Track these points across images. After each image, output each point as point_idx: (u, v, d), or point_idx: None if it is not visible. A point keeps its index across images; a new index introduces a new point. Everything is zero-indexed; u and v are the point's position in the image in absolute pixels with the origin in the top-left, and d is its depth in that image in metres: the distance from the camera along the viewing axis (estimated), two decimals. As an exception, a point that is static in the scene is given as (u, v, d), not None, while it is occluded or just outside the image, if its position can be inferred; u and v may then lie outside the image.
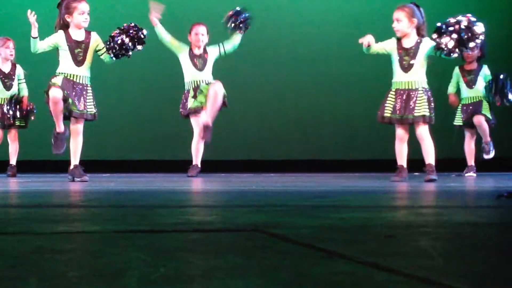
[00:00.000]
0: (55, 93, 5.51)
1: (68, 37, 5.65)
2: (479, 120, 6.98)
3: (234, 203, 3.38)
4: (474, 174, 7.06)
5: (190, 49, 6.86)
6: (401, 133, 5.70)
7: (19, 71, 7.13)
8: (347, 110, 9.02)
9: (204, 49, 6.89)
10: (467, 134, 7.18)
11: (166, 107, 8.41)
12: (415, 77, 5.58)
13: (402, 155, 5.69)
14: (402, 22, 5.62)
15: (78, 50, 5.66)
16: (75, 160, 5.68)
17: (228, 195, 4.08)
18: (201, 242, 1.84)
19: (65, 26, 5.69)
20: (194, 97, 6.69)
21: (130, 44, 5.62)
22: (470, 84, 7.14)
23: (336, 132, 9.00)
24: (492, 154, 7.10)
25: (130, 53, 5.67)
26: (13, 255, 1.57)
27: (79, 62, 5.65)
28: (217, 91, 6.55)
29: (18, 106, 6.96)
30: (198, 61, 6.85)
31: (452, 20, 5.29)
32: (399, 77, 5.65)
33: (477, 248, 1.74)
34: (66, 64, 5.64)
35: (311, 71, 8.99)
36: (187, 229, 2.09)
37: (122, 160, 8.57)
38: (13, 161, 7.06)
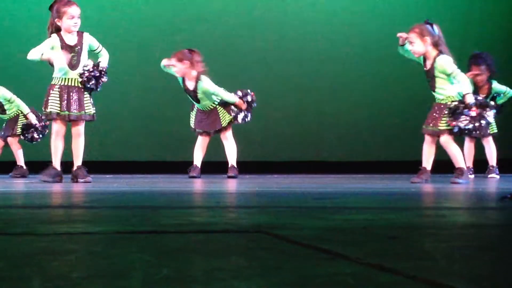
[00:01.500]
0: (58, 128, 5.57)
1: (62, 41, 5.65)
2: (488, 143, 7.09)
3: (237, 204, 3.38)
4: (472, 176, 7.07)
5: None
6: (429, 138, 5.67)
7: (2, 92, 7.11)
8: (350, 111, 9.01)
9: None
10: (467, 139, 7.18)
11: (169, 108, 8.42)
12: (439, 95, 5.59)
13: (427, 157, 5.67)
14: (415, 44, 5.64)
15: (72, 55, 5.66)
16: (77, 161, 5.68)
17: (231, 196, 4.08)
18: (204, 243, 1.84)
19: (56, 29, 5.69)
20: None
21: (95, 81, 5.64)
22: None
23: (339, 134, 9.00)
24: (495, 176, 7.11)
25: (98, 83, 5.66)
26: (17, 255, 1.57)
27: (73, 66, 5.64)
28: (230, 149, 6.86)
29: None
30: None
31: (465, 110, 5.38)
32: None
33: (480, 249, 1.74)
34: (61, 68, 5.65)
35: (315, 72, 8.98)
36: (190, 230, 2.09)
37: (125, 161, 8.57)
38: (21, 162, 7.16)
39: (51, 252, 1.63)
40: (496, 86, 7.18)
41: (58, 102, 5.60)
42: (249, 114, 6.86)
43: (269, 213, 2.76)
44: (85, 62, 5.64)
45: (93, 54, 5.82)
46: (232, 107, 6.81)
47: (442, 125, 5.55)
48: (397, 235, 1.97)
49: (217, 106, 6.79)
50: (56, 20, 5.63)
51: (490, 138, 7.21)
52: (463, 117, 5.36)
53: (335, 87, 9.01)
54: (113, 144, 8.67)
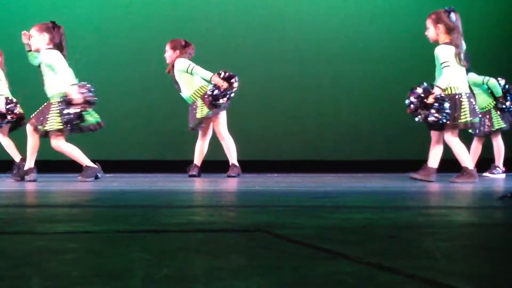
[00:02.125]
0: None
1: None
2: (496, 140, 7.09)
3: (237, 204, 3.38)
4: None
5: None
6: (435, 137, 5.64)
7: None
8: (350, 111, 9.02)
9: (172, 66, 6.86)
10: (475, 138, 7.17)
11: (169, 107, 8.41)
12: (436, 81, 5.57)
13: (432, 155, 5.63)
14: (429, 30, 5.64)
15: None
16: (82, 162, 5.73)
17: (231, 196, 4.08)
18: (205, 242, 1.84)
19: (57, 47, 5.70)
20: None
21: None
22: None
23: (339, 133, 9.00)
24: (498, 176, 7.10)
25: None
26: (16, 254, 1.57)
27: (43, 83, 5.70)
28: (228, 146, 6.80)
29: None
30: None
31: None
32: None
33: (481, 249, 1.74)
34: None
35: (314, 72, 8.98)
36: (190, 229, 2.09)
37: (125, 160, 8.57)
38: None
39: (51, 251, 1.63)
40: (472, 77, 7.04)
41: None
42: (227, 96, 6.55)
43: (269, 212, 2.76)
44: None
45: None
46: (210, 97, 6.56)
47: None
48: (397, 234, 1.97)
49: (198, 99, 6.69)
50: None
51: (499, 136, 7.15)
52: (414, 97, 5.37)
53: (334, 86, 9.02)
54: (113, 143, 8.67)
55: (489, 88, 7.19)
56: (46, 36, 5.63)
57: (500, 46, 8.93)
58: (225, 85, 6.55)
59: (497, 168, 7.14)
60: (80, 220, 2.46)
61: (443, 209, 3.13)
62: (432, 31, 5.63)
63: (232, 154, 6.83)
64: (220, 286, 1.20)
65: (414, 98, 5.41)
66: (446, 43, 5.54)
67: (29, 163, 5.72)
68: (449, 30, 5.56)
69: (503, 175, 7.03)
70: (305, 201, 3.50)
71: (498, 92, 7.14)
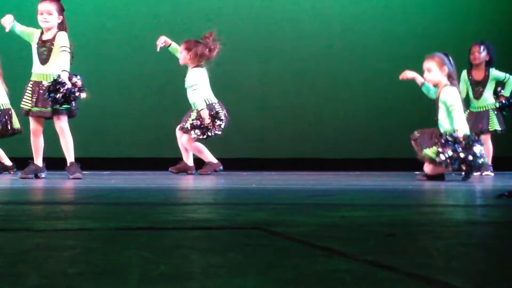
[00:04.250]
0: (35, 127, 5.59)
1: (40, 37, 5.67)
2: (486, 140, 7.09)
3: (235, 201, 3.38)
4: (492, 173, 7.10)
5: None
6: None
7: None
8: (348, 109, 9.02)
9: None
10: (482, 136, 7.20)
11: (167, 104, 8.41)
12: (440, 126, 5.58)
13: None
14: (433, 72, 5.65)
15: (42, 49, 5.67)
16: (69, 158, 5.70)
17: (229, 193, 4.08)
18: (202, 239, 1.84)
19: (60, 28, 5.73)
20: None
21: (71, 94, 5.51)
22: (477, 95, 7.23)
23: (337, 131, 9.00)
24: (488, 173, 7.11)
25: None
26: (13, 252, 1.57)
27: (43, 61, 5.65)
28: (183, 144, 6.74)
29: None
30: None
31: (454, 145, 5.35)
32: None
33: (477, 247, 1.74)
34: (34, 64, 5.67)
35: (313, 70, 8.98)
36: (187, 227, 2.09)
37: (123, 158, 8.57)
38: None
39: (48, 248, 1.63)
40: (495, 72, 7.21)
41: (30, 97, 5.61)
42: (205, 134, 6.57)
43: (266, 210, 2.76)
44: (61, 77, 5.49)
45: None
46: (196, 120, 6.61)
47: (428, 152, 5.53)
48: (394, 232, 1.97)
49: (194, 111, 6.73)
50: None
51: (488, 137, 7.22)
52: (450, 149, 5.33)
53: (333, 84, 9.02)
54: (110, 140, 8.66)
55: (504, 85, 7.28)
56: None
57: (499, 44, 8.94)
58: (207, 121, 6.56)
59: (490, 167, 7.18)
60: (77, 217, 2.46)
61: (440, 207, 3.13)
62: (436, 74, 5.63)
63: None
64: (217, 284, 1.20)
65: (451, 151, 5.33)
66: (449, 86, 5.58)
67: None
68: (449, 74, 5.62)
69: (492, 174, 7.10)
70: (302, 199, 3.50)
71: (508, 92, 7.27)
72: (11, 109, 7.03)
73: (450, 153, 5.29)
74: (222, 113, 6.67)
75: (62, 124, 5.62)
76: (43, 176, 5.73)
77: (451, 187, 4.67)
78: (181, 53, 6.82)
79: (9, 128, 6.95)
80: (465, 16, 9.11)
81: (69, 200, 3.46)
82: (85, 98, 5.59)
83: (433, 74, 5.65)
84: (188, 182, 5.50)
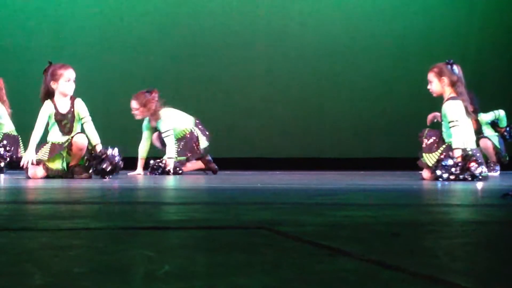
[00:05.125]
0: (39, 173, 5.61)
1: (56, 110, 5.66)
2: (485, 143, 7.09)
3: (239, 201, 3.38)
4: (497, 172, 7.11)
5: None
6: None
7: None
8: (352, 108, 9.02)
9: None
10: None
11: (168, 105, 8.41)
12: (444, 136, 5.56)
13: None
14: (433, 83, 5.61)
15: (65, 122, 5.68)
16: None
17: (233, 193, 4.08)
18: (206, 239, 1.84)
19: (49, 94, 5.68)
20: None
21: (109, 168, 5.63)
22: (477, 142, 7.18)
23: (341, 130, 9.00)
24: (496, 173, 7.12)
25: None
26: (19, 251, 1.57)
27: (67, 133, 5.68)
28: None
29: None
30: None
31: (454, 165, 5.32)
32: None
33: (482, 246, 1.74)
34: (54, 134, 5.71)
35: (316, 69, 8.98)
36: (191, 226, 2.09)
37: (126, 158, 8.58)
38: None
39: (53, 247, 1.63)
40: (484, 118, 7.21)
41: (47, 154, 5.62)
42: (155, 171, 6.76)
43: (271, 210, 2.76)
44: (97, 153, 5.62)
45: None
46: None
47: (429, 158, 5.52)
48: (399, 231, 1.97)
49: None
50: (51, 83, 5.63)
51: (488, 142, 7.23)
52: (447, 169, 5.30)
53: (336, 84, 9.02)
54: (113, 140, 8.67)
55: (497, 120, 7.30)
56: None
57: (501, 47, 8.92)
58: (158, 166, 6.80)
59: (497, 165, 7.20)
60: (82, 216, 2.47)
61: (445, 207, 3.12)
62: (436, 85, 5.59)
63: None
64: (221, 283, 1.20)
65: (449, 171, 5.32)
66: (452, 98, 5.54)
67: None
68: (453, 82, 5.56)
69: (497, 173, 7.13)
70: (306, 199, 3.50)
71: (504, 124, 7.28)
72: (18, 136, 7.08)
73: (446, 176, 5.28)
74: (203, 138, 6.84)
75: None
76: None
77: (456, 187, 4.67)
78: (135, 110, 6.87)
79: (19, 156, 6.93)
80: (468, 17, 9.10)
81: (74, 199, 3.46)
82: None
83: (434, 86, 5.62)
84: (192, 181, 5.50)
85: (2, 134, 7.01)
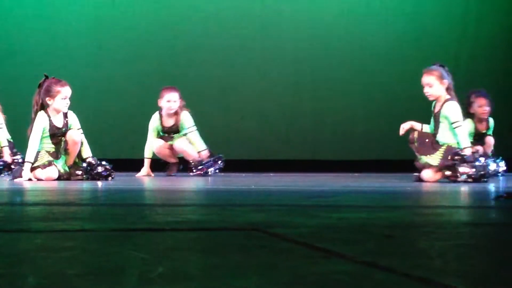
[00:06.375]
0: (52, 174, 5.58)
1: (50, 123, 5.65)
2: (489, 140, 7.11)
3: (234, 202, 3.38)
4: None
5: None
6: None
7: None
8: (347, 110, 9.02)
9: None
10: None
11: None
12: (440, 138, 5.56)
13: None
14: (434, 87, 5.58)
15: (58, 135, 5.69)
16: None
17: (228, 194, 4.08)
18: (200, 240, 1.84)
19: (43, 106, 5.66)
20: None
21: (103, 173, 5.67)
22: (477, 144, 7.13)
23: (336, 132, 9.01)
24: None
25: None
26: (13, 252, 1.57)
27: (61, 151, 5.69)
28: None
29: None
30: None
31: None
32: None
33: (476, 248, 1.74)
34: (46, 144, 5.67)
35: (311, 71, 8.99)
36: (186, 228, 2.09)
37: (121, 159, 8.56)
38: None
39: (47, 249, 1.62)
40: (491, 122, 7.22)
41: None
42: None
43: (265, 211, 2.76)
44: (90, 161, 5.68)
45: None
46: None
47: (430, 159, 5.53)
48: (392, 233, 1.98)
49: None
50: (46, 99, 5.60)
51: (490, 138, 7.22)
52: (466, 167, 5.32)
53: (331, 86, 9.02)
54: (108, 142, 8.65)
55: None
56: None
57: (497, 48, 8.94)
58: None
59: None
60: (76, 218, 2.46)
61: (439, 209, 3.13)
62: (438, 88, 5.58)
63: None
64: (215, 285, 1.20)
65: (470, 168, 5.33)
66: (449, 100, 5.56)
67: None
68: (449, 86, 5.59)
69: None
70: (301, 201, 3.50)
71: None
72: (12, 142, 7.09)
73: (467, 170, 5.29)
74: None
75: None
76: None
77: (450, 189, 4.68)
78: (176, 102, 6.86)
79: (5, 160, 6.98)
80: (464, 18, 9.12)
81: (68, 201, 3.46)
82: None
83: (435, 89, 5.59)
84: (187, 183, 5.49)
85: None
